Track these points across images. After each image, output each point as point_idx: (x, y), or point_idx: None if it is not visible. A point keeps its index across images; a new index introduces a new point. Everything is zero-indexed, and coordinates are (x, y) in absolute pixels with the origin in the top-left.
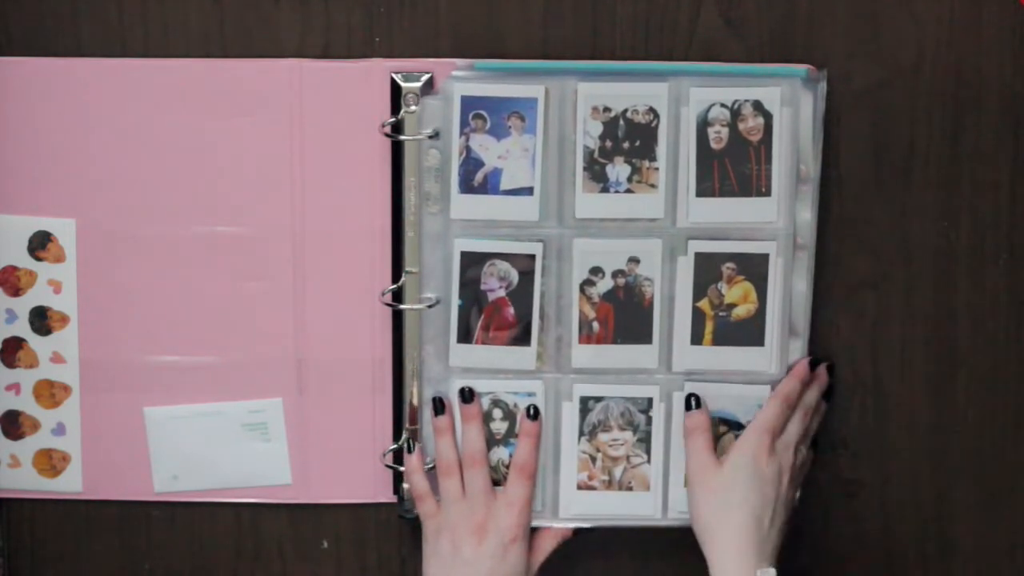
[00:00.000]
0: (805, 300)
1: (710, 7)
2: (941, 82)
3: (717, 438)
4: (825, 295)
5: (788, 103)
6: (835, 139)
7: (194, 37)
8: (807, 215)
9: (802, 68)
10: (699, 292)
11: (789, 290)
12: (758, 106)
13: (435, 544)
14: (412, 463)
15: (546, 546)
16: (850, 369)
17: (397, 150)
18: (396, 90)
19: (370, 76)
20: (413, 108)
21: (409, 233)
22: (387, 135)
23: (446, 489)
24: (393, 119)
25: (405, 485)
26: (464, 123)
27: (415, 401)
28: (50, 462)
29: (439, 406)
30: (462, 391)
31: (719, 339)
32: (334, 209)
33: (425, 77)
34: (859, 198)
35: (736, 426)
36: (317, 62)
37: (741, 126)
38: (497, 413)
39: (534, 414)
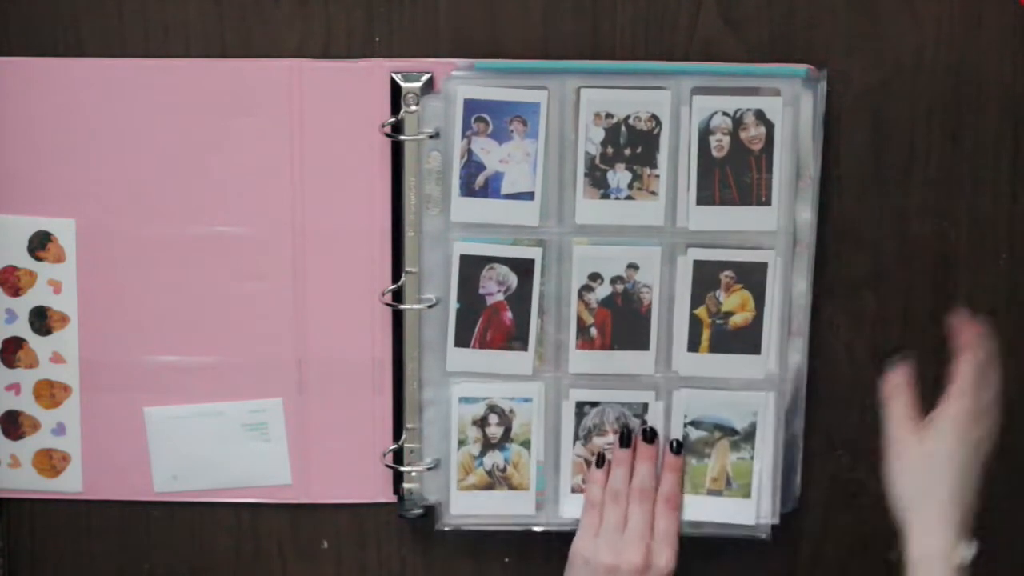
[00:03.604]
0: (805, 300)
1: (710, 7)
2: (941, 82)
3: (711, 444)
4: (825, 295)
5: (788, 103)
6: (835, 139)
7: (194, 37)
8: (807, 215)
9: (802, 68)
10: (697, 299)
11: (787, 299)
12: (760, 115)
13: (592, 567)
14: (597, 475)
15: None
16: (850, 369)
17: (397, 150)
18: (396, 90)
19: (370, 76)
20: (413, 108)
21: (409, 233)
22: (387, 135)
23: (611, 515)
24: (393, 119)
25: (406, 485)
26: (466, 126)
27: (416, 400)
28: (50, 462)
29: (626, 439)
30: (644, 431)
31: (715, 346)
32: (334, 209)
33: (425, 77)
34: (859, 198)
35: (731, 432)
36: (317, 62)
37: (743, 135)
38: (493, 418)
39: (674, 444)
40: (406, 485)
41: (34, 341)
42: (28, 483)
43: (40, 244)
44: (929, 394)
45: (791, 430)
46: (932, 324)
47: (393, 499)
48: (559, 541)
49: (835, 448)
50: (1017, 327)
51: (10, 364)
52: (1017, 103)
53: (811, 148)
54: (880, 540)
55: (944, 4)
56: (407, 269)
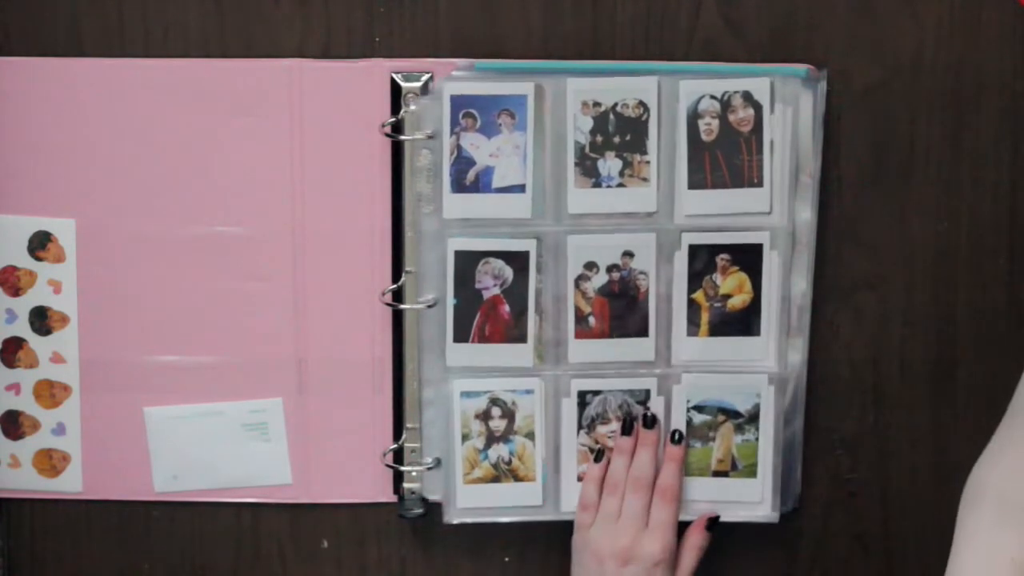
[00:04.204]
0: (805, 299)
1: (710, 7)
2: (941, 82)
3: (715, 427)
4: (825, 295)
5: (787, 102)
6: (835, 139)
7: (194, 37)
8: (807, 214)
9: (802, 68)
10: (694, 284)
11: (786, 281)
12: (748, 97)
13: (582, 556)
14: (594, 472)
15: (688, 563)
16: (850, 369)
17: (397, 150)
18: (396, 90)
19: (370, 76)
20: (413, 108)
21: (409, 233)
22: (387, 135)
23: (607, 505)
24: (393, 119)
25: (406, 485)
26: (454, 122)
27: (416, 400)
28: (50, 462)
29: (628, 427)
30: (644, 417)
31: (715, 330)
32: (334, 209)
33: (425, 77)
34: (859, 198)
35: (734, 415)
36: (317, 62)
37: (731, 117)
38: (496, 411)
39: (675, 435)
40: (406, 485)
41: (34, 341)
42: (28, 483)
43: (40, 244)
44: (929, 395)
45: (791, 429)
46: (932, 324)
47: (393, 499)
48: (559, 540)
49: (835, 448)
50: (1017, 327)
51: (10, 364)
52: (1017, 103)
53: (811, 148)
54: (880, 540)
55: (944, 4)
56: (407, 269)
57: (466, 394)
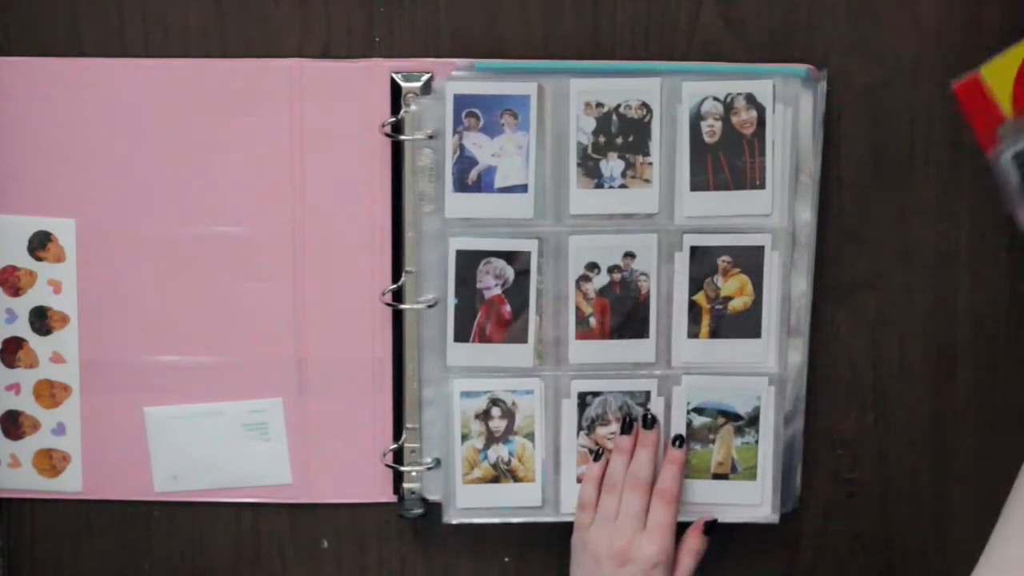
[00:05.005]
0: (805, 299)
1: (710, 7)
2: (941, 82)
3: (715, 429)
4: (825, 295)
5: (788, 102)
6: (835, 139)
7: (194, 37)
8: (807, 215)
9: (802, 68)
10: (695, 286)
11: (786, 282)
12: (751, 99)
13: (580, 556)
14: (593, 472)
15: (685, 567)
16: (850, 369)
17: (397, 150)
18: (396, 90)
19: (370, 76)
20: (413, 108)
21: (409, 233)
22: (387, 135)
23: (605, 505)
24: (393, 119)
25: (406, 485)
26: (457, 122)
27: (416, 400)
28: (50, 462)
29: (627, 427)
30: (644, 417)
31: (716, 332)
32: (334, 209)
33: (425, 77)
34: (859, 198)
35: (735, 417)
36: (317, 62)
37: (734, 119)
38: (496, 411)
39: (677, 440)
40: (406, 485)
41: (34, 341)
42: (28, 483)
43: (40, 244)
44: (929, 395)
45: (791, 430)
46: (932, 324)
47: (393, 499)
48: (559, 540)
49: (835, 448)
50: (1017, 327)
51: (10, 364)
52: None
53: (811, 147)
54: (879, 540)
55: (944, 4)
56: (407, 269)
57: (466, 394)
